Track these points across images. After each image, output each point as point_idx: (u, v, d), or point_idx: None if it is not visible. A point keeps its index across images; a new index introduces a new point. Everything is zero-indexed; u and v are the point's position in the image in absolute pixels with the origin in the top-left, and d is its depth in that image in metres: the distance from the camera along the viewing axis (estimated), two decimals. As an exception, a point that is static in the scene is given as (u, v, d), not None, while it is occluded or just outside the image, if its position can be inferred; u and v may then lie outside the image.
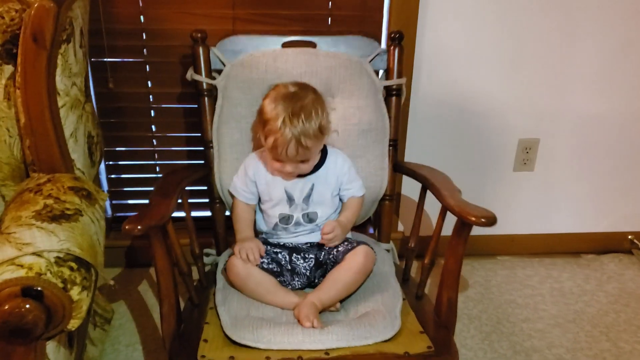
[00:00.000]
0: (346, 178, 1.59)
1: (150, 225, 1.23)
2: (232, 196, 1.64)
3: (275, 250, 1.56)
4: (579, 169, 2.35)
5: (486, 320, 2.06)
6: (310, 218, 1.57)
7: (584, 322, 2.06)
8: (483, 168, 2.30)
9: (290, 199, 1.55)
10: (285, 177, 1.54)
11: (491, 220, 1.29)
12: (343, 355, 1.28)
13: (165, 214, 1.31)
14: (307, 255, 1.56)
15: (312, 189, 1.55)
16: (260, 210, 1.64)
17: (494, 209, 1.32)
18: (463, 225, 1.36)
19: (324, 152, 1.57)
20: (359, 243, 1.53)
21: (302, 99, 1.45)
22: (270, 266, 1.52)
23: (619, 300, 2.19)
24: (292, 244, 1.59)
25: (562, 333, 2.00)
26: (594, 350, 1.92)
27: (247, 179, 1.59)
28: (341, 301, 1.47)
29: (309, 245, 1.58)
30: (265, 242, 1.58)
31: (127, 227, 1.20)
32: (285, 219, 1.57)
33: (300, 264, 1.55)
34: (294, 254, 1.56)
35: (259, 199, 1.62)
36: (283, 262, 1.55)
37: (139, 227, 1.20)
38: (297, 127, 1.41)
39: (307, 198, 1.56)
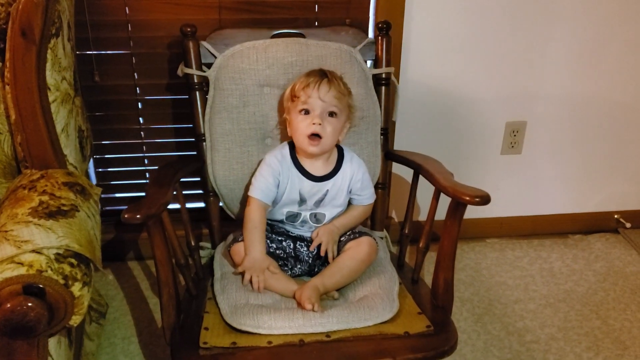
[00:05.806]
0: (359, 185, 1.58)
1: (149, 213, 1.23)
2: (248, 200, 1.54)
3: (279, 238, 1.57)
4: (565, 150, 2.37)
5: (478, 303, 2.08)
6: (317, 218, 1.57)
7: (574, 301, 2.10)
8: (471, 152, 2.32)
9: (302, 200, 1.54)
10: (311, 143, 1.46)
11: (485, 199, 1.31)
12: (344, 337, 1.30)
13: (163, 202, 1.31)
14: (310, 243, 1.57)
15: (325, 194, 1.54)
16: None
17: (481, 193, 1.34)
18: (457, 206, 1.38)
19: (340, 156, 1.57)
20: (361, 234, 1.54)
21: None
22: (278, 252, 1.54)
23: (607, 279, 2.23)
24: (296, 234, 1.60)
25: (553, 313, 2.03)
26: (585, 328, 1.96)
27: (273, 173, 1.51)
28: (338, 290, 1.47)
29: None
30: (272, 231, 1.58)
31: (126, 215, 1.19)
32: (293, 217, 1.57)
33: (304, 252, 1.57)
34: (298, 242, 1.58)
35: None
36: (288, 250, 1.56)
37: (137, 215, 1.20)
38: (325, 70, 1.51)
39: (319, 201, 1.55)
